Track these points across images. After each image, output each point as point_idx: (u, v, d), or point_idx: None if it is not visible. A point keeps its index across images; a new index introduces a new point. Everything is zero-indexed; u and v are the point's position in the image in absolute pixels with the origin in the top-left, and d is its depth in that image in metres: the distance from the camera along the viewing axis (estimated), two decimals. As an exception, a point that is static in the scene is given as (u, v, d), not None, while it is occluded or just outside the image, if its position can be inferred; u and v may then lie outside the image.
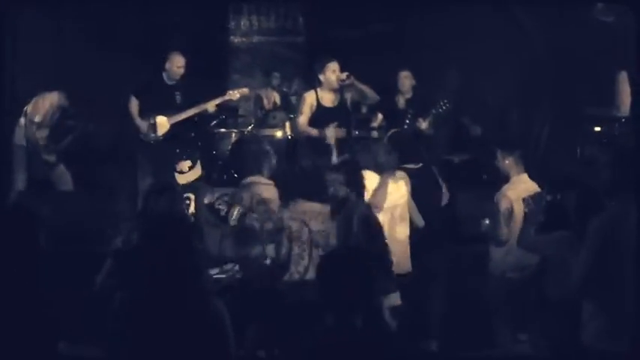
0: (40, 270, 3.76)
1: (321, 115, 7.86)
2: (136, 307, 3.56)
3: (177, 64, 8.24)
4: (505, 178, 6.43)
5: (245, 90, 8.75)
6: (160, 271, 3.56)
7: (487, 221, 6.28)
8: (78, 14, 9.96)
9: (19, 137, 8.06)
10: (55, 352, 3.72)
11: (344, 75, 7.72)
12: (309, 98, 7.90)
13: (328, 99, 7.85)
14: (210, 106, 8.37)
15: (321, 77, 7.81)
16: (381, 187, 6.03)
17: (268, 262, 6.09)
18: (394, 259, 5.71)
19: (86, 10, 9.98)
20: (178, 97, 8.29)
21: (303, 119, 7.90)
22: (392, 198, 5.89)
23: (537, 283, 6.18)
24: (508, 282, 6.24)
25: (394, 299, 5.56)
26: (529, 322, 6.68)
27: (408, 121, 8.28)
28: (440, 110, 8.22)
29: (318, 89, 7.88)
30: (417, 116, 8.24)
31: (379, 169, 6.07)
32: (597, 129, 8.84)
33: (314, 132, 7.84)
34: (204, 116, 8.86)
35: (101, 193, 8.40)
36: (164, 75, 8.28)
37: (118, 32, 10.28)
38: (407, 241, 6.08)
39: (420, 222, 6.24)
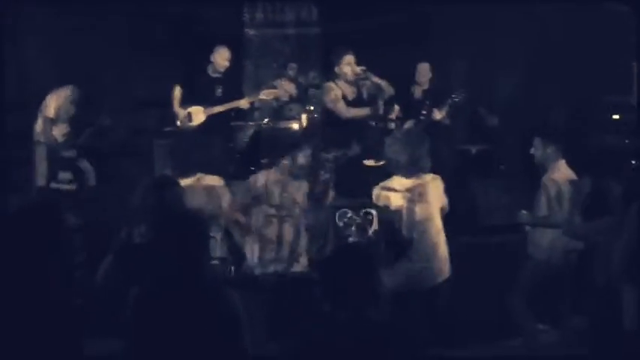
0: (63, 262, 3.77)
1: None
2: (150, 303, 3.59)
3: (223, 57, 8.32)
4: (542, 167, 6.43)
5: (278, 92, 8.83)
6: (173, 266, 3.59)
7: (524, 212, 6.30)
8: (92, 7, 9.98)
9: (38, 135, 8.11)
10: (79, 345, 3.73)
11: (359, 69, 7.72)
12: (335, 88, 7.87)
13: (347, 91, 7.86)
14: (244, 102, 8.48)
15: (337, 70, 7.82)
16: None
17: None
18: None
19: (100, 4, 10.01)
20: (219, 91, 8.37)
21: (341, 105, 7.85)
22: (406, 181, 5.86)
23: (581, 269, 6.28)
24: (551, 267, 6.29)
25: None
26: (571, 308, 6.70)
27: (424, 112, 8.29)
28: (456, 100, 8.21)
29: (336, 81, 7.89)
30: (434, 107, 8.24)
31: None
32: (615, 117, 8.82)
33: (363, 112, 7.80)
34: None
35: (119, 187, 8.41)
36: (209, 67, 8.36)
37: (130, 26, 10.30)
38: (434, 226, 5.90)
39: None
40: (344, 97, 7.86)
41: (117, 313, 3.72)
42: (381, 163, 6.54)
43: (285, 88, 10.37)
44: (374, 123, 8.93)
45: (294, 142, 6.90)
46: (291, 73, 10.57)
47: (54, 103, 8.10)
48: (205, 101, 8.40)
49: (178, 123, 8.45)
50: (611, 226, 4.97)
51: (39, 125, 8.11)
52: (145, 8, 10.31)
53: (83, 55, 9.48)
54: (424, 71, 8.59)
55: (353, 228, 5.41)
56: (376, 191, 5.86)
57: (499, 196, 7.81)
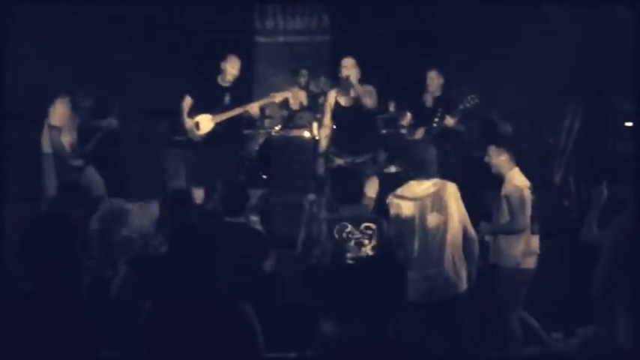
0: (75, 277, 3.72)
1: (337, 115, 7.91)
2: (163, 318, 3.55)
3: (234, 65, 8.27)
4: (497, 175, 6.53)
5: (288, 93, 8.76)
6: (186, 280, 3.55)
7: (484, 222, 6.32)
8: (102, 13, 10.00)
9: (45, 145, 8.10)
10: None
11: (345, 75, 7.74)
12: (329, 98, 8.05)
13: (344, 98, 7.89)
14: (253, 108, 8.36)
15: (340, 75, 7.89)
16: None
17: None
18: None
19: (110, 10, 10.03)
20: (227, 99, 8.31)
21: (325, 121, 7.97)
22: (418, 189, 5.80)
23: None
24: (522, 272, 6.32)
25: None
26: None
27: (437, 119, 8.24)
28: (467, 105, 8.16)
29: (338, 88, 7.94)
30: (446, 114, 8.20)
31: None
32: (628, 124, 8.76)
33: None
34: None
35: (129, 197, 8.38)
36: (219, 77, 8.31)
37: (142, 34, 10.31)
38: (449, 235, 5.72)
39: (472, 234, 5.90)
40: (338, 105, 7.89)
41: (130, 326, 3.67)
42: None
43: (296, 96, 10.36)
44: (384, 130, 8.93)
45: None
46: (302, 80, 10.55)
47: (58, 111, 8.07)
48: (214, 109, 8.27)
49: (187, 134, 8.31)
50: (624, 226, 4.97)
51: (45, 136, 8.09)
52: (155, 14, 10.36)
53: (92, 61, 9.48)
54: (434, 79, 8.54)
55: (352, 243, 5.34)
56: (389, 199, 5.82)
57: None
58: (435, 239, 5.62)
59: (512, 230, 6.33)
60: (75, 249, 3.57)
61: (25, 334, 3.43)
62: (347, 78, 7.74)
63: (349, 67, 7.77)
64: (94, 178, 8.27)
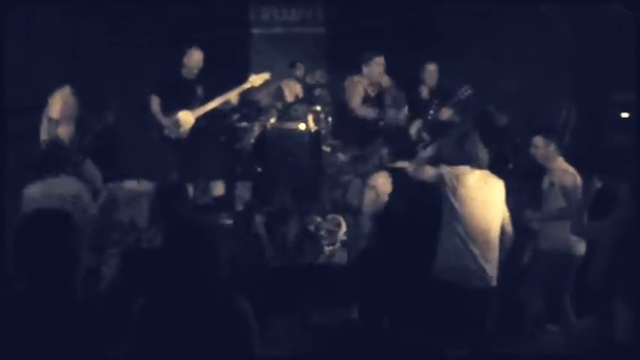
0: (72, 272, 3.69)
1: (365, 103, 7.94)
2: (159, 312, 3.51)
3: (195, 58, 8.16)
4: (539, 167, 6.52)
5: (266, 75, 8.60)
6: (181, 275, 3.52)
7: (530, 210, 6.33)
8: (97, 8, 9.96)
9: (43, 137, 8.07)
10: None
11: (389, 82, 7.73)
12: (361, 84, 8.00)
13: (371, 89, 7.92)
14: (233, 95, 8.25)
15: (365, 68, 7.85)
16: None
17: None
18: None
19: (107, 4, 9.99)
20: (200, 91, 8.23)
21: (357, 100, 7.96)
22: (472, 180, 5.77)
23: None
24: (569, 257, 6.30)
25: None
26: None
27: (432, 111, 8.23)
28: (462, 97, 8.16)
29: (360, 77, 7.93)
30: (441, 106, 8.20)
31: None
32: (624, 115, 8.75)
33: (371, 112, 7.93)
34: (226, 110, 8.80)
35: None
36: (182, 70, 8.20)
37: (137, 26, 10.27)
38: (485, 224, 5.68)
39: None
40: (367, 94, 7.95)
41: (122, 321, 3.63)
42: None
43: (292, 88, 10.34)
44: (382, 123, 8.92)
45: None
46: (297, 73, 10.53)
47: (57, 103, 8.04)
48: (187, 104, 8.15)
49: (166, 132, 8.17)
50: (623, 221, 4.97)
51: (44, 128, 8.06)
52: (149, 8, 10.32)
53: (89, 54, 9.46)
54: (432, 72, 8.55)
55: (323, 232, 5.42)
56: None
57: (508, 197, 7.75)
58: (462, 232, 5.59)
59: (568, 215, 6.17)
60: (71, 244, 3.53)
61: (20, 333, 3.41)
62: (392, 87, 7.83)
63: (382, 64, 7.87)
64: (92, 172, 8.23)
